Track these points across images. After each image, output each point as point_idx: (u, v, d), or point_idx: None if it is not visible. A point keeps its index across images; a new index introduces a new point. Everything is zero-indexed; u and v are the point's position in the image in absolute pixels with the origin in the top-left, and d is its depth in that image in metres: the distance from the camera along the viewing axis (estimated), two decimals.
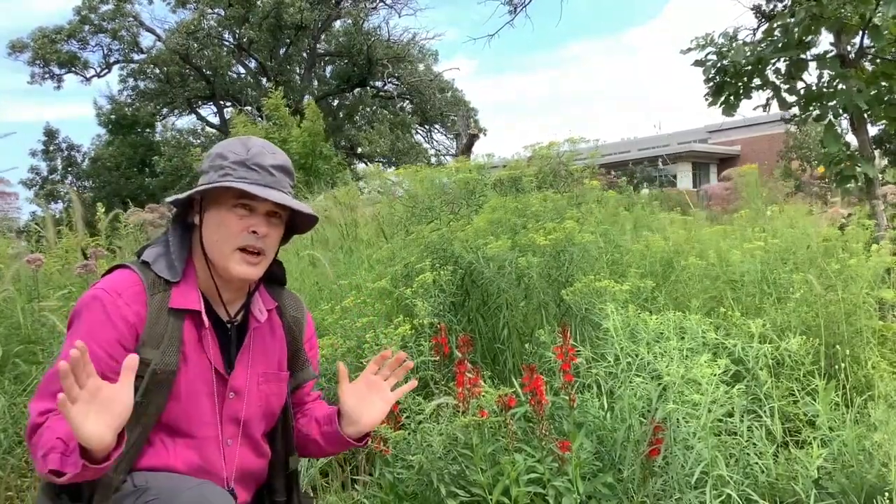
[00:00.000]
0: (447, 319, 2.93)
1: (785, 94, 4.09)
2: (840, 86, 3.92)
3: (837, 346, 2.72)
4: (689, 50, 4.23)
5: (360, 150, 26.69)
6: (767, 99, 4.20)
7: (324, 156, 15.03)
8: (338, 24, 27.48)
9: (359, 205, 5.28)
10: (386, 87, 28.18)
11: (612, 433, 2.21)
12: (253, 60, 27.58)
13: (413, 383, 1.62)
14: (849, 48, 4.08)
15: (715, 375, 1.90)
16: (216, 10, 26.04)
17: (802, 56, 4.00)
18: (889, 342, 2.90)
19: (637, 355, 2.12)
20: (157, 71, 26.74)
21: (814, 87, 4.04)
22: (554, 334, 2.43)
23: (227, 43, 27.07)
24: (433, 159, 26.90)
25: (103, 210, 4.58)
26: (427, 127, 28.89)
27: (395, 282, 3.21)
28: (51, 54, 24.87)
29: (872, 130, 4.35)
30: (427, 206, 3.65)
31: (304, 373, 1.66)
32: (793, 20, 3.89)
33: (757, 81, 4.08)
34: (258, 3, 25.14)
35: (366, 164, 25.10)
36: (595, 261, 3.15)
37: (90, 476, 1.23)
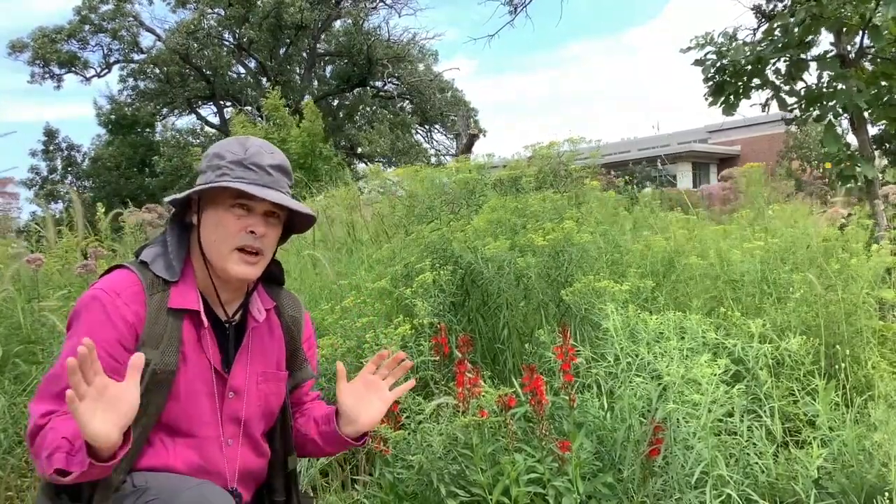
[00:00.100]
0: (447, 319, 2.92)
1: (785, 95, 4.09)
2: (840, 86, 3.91)
3: (837, 346, 2.71)
4: (689, 49, 4.23)
5: (360, 150, 26.70)
6: (767, 99, 4.20)
7: (323, 156, 15.04)
8: (338, 24, 27.50)
9: (359, 205, 5.28)
10: (386, 87, 28.19)
11: (612, 433, 2.21)
12: (253, 60, 27.59)
13: (411, 383, 1.62)
14: (849, 48, 4.07)
15: (715, 375, 1.90)
16: (216, 10, 26.06)
17: (802, 56, 4.00)
18: (889, 342, 2.90)
19: (637, 355, 2.12)
20: (157, 71, 26.75)
21: (814, 88, 4.04)
22: (554, 334, 2.43)
23: (227, 43, 27.08)
24: (433, 159, 26.93)
25: (103, 210, 4.58)
26: (427, 127, 28.90)
27: (395, 282, 3.21)
28: (51, 54, 24.88)
29: (872, 130, 4.35)
30: (427, 205, 3.65)
31: (303, 372, 1.67)
32: (793, 20, 3.89)
33: (757, 81, 4.08)
34: (258, 2, 25.15)
35: (366, 163, 25.09)
36: (595, 261, 3.15)
37: (95, 475, 1.23)
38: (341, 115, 28.69)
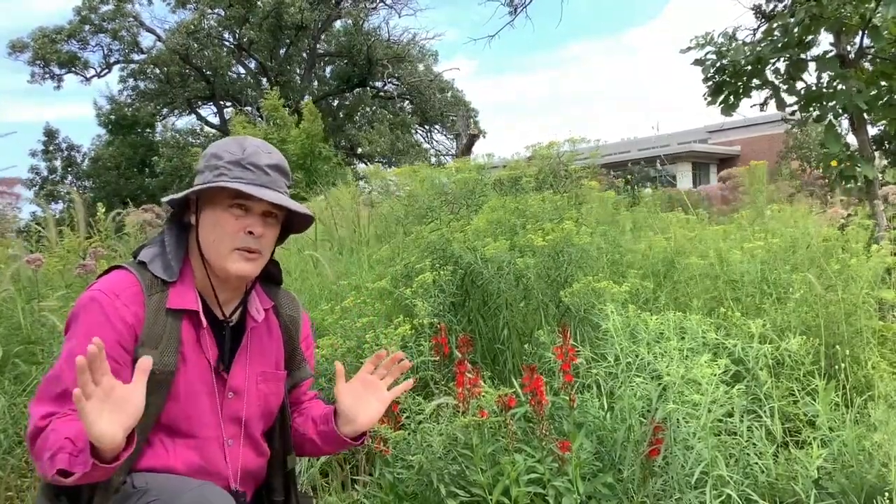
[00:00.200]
0: (447, 319, 2.92)
1: (784, 95, 4.09)
2: (840, 86, 3.91)
3: (837, 347, 2.71)
4: (689, 49, 4.23)
5: (360, 150, 26.71)
6: (766, 98, 4.19)
7: (323, 156, 15.04)
8: (338, 24, 27.49)
9: (359, 205, 5.28)
10: (386, 88, 28.19)
11: (612, 433, 2.21)
12: (253, 60, 27.59)
13: (409, 383, 1.61)
14: (849, 48, 4.07)
15: (715, 375, 1.89)
16: (216, 11, 26.05)
17: (802, 56, 4.00)
18: (889, 342, 2.90)
19: (637, 355, 2.12)
20: (157, 71, 26.75)
21: (814, 88, 4.04)
22: (553, 335, 2.43)
23: (227, 43, 27.09)
24: (433, 159, 26.91)
25: (104, 210, 4.58)
26: (427, 127, 28.90)
27: (395, 282, 3.21)
28: (51, 54, 24.88)
29: (872, 130, 4.35)
30: (427, 206, 3.65)
31: (301, 372, 1.67)
32: (793, 20, 3.89)
33: (756, 81, 4.08)
34: (258, 3, 25.15)
35: (366, 164, 25.13)
36: (595, 261, 3.15)
37: (98, 476, 1.23)
38: (341, 116, 28.69)
